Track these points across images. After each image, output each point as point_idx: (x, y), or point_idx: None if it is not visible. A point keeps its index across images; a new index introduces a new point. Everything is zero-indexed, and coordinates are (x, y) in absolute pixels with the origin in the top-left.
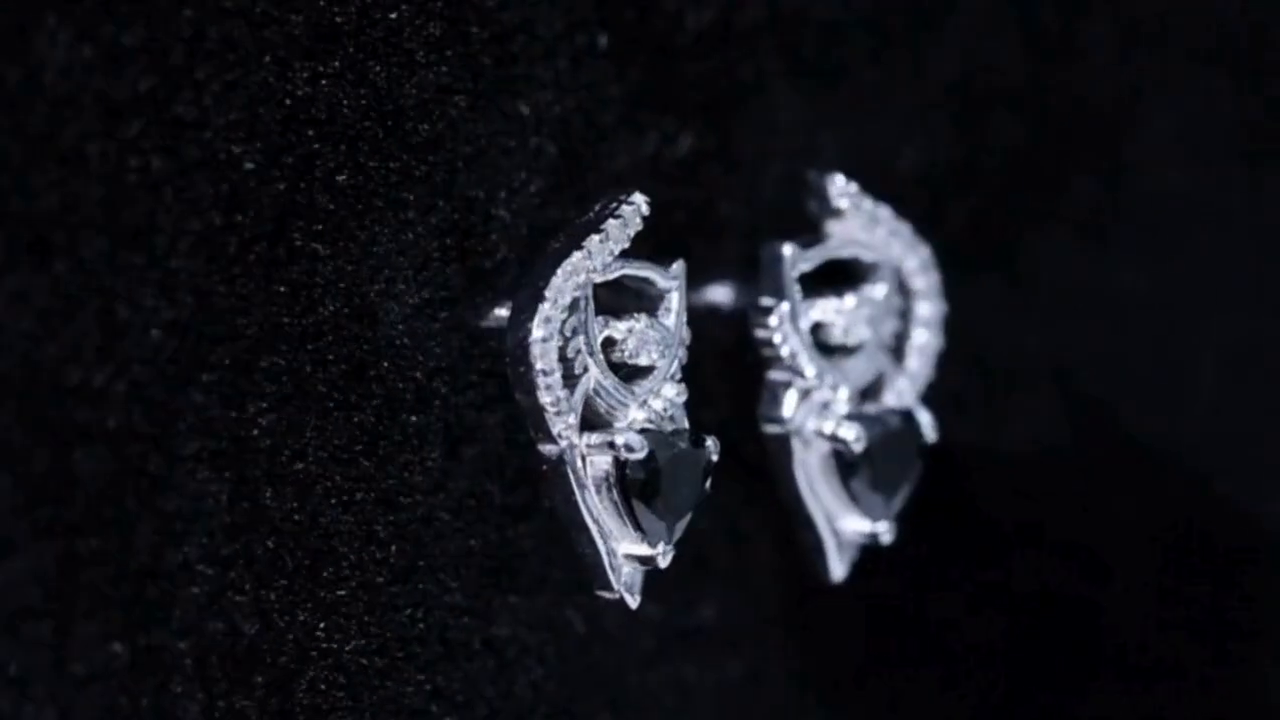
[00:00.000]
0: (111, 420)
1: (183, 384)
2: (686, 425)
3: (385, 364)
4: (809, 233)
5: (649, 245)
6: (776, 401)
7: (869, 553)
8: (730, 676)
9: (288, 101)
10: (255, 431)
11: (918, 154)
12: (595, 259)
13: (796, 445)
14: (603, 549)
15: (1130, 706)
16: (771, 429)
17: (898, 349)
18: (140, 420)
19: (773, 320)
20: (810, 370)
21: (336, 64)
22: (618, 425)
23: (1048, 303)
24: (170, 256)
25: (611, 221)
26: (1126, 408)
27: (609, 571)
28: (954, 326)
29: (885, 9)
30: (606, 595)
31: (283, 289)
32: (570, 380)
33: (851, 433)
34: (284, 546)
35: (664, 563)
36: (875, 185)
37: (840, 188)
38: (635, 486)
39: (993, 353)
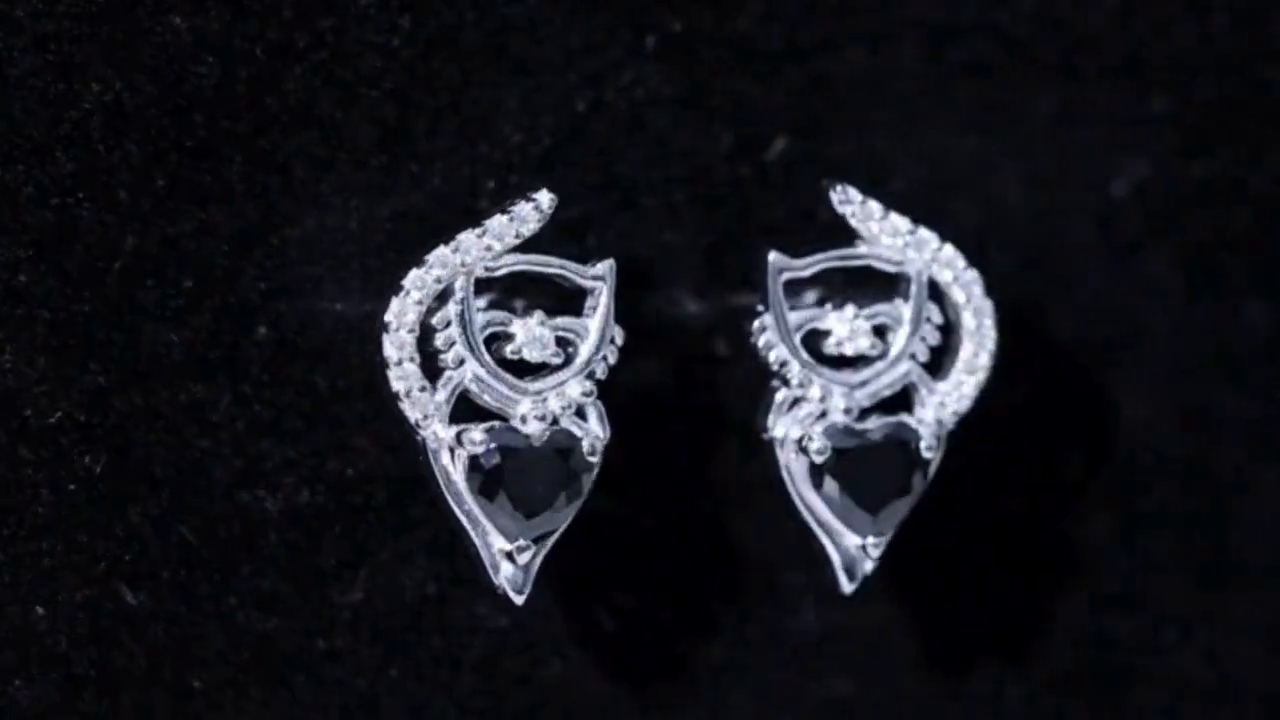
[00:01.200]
0: None
1: None
2: (595, 424)
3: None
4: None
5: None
6: (765, 409)
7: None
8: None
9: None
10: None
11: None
12: (466, 253)
13: (781, 454)
14: (477, 541)
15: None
16: (765, 436)
17: (937, 363)
18: None
19: (756, 327)
20: (796, 378)
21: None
22: (492, 422)
23: None
24: None
25: (497, 217)
26: None
27: (487, 565)
28: None
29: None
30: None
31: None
32: (440, 371)
33: (815, 444)
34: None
35: (520, 559)
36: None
37: (840, 196)
38: (477, 481)
39: None
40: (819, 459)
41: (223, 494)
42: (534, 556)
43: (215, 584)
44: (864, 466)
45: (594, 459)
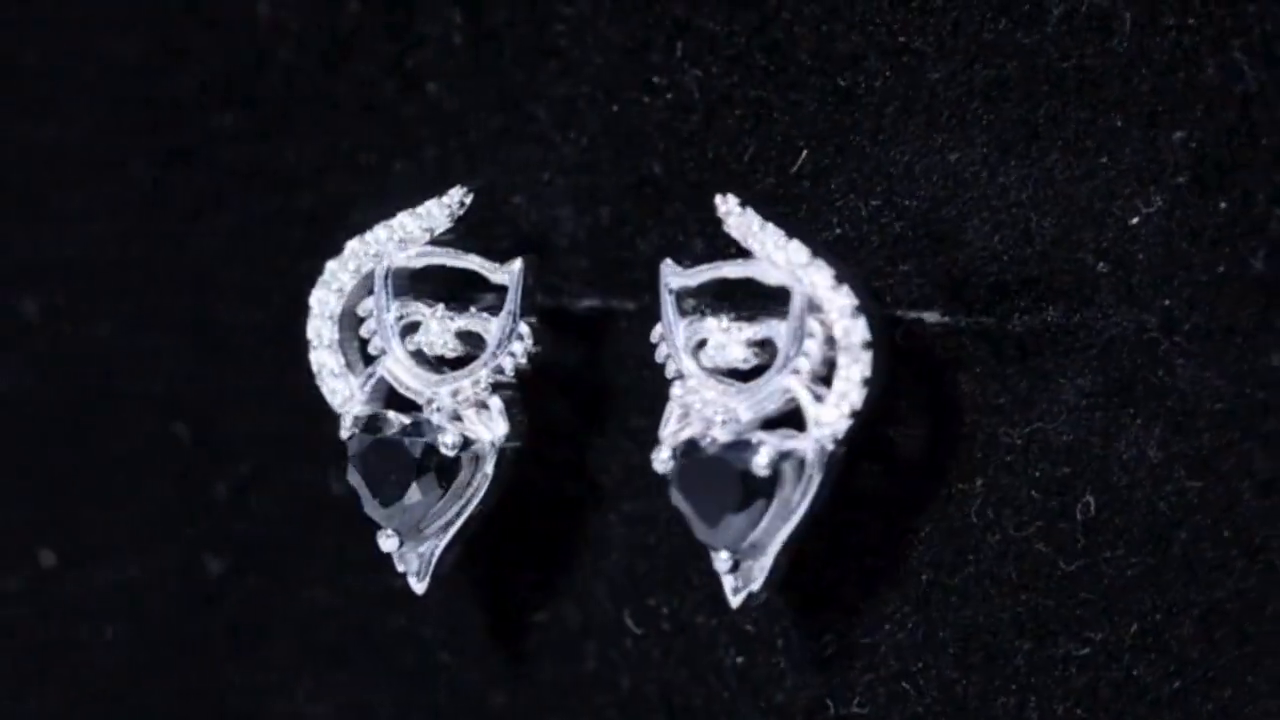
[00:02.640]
0: None
1: None
2: (497, 420)
3: None
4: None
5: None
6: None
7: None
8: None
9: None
10: None
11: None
12: (377, 245)
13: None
14: None
15: None
16: None
17: (830, 376)
18: None
19: (654, 336)
20: (677, 389)
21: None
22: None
23: None
24: None
25: (405, 214)
26: None
27: (383, 549)
28: None
29: None
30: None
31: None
32: (369, 359)
33: (659, 454)
34: None
35: (385, 545)
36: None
37: (724, 205)
38: (345, 467)
39: None
40: (662, 469)
41: (294, 471)
42: (430, 547)
43: (287, 560)
44: (705, 481)
45: (451, 453)
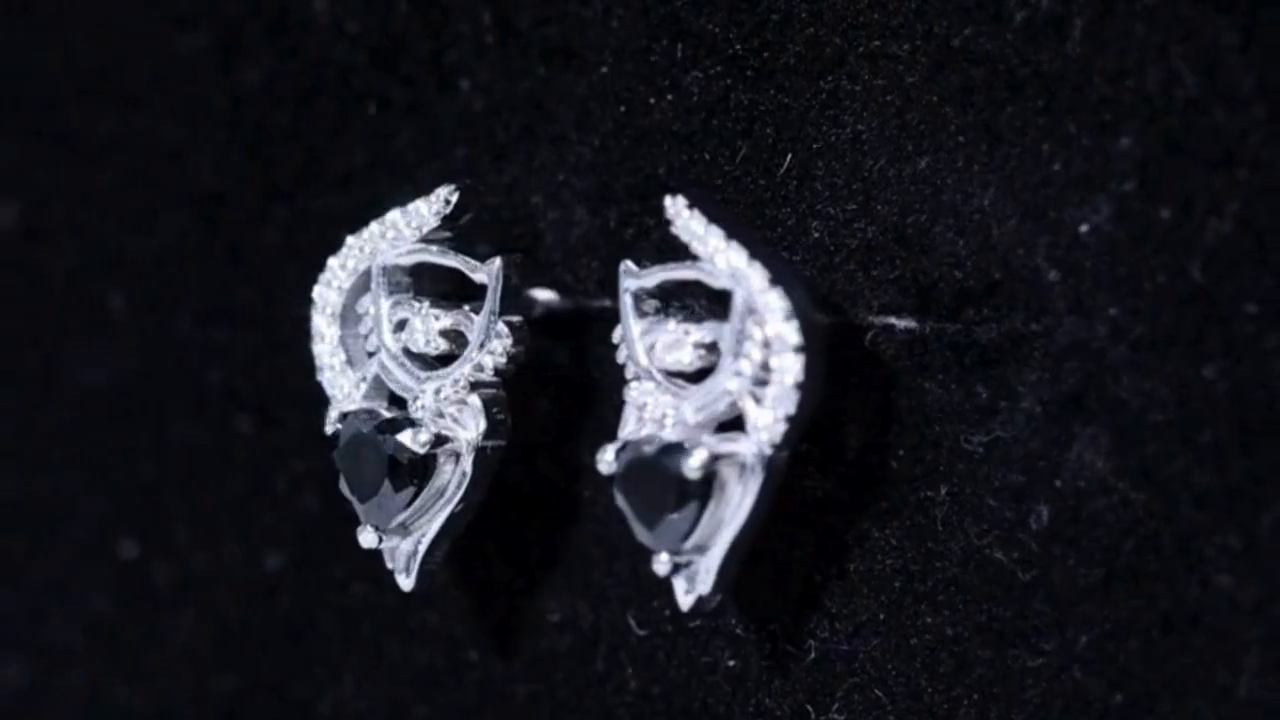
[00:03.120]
0: None
1: None
2: (476, 419)
3: None
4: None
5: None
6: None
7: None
8: None
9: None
10: None
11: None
12: (371, 243)
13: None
14: None
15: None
16: None
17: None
18: None
19: (614, 336)
20: (631, 392)
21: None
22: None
23: None
24: None
25: (395, 212)
26: None
27: (361, 544)
28: None
29: None
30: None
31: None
32: (365, 355)
33: (604, 455)
34: None
35: (363, 541)
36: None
37: (671, 207)
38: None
39: None
40: (606, 470)
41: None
42: (414, 544)
43: (334, 553)
44: (639, 483)
45: (419, 450)
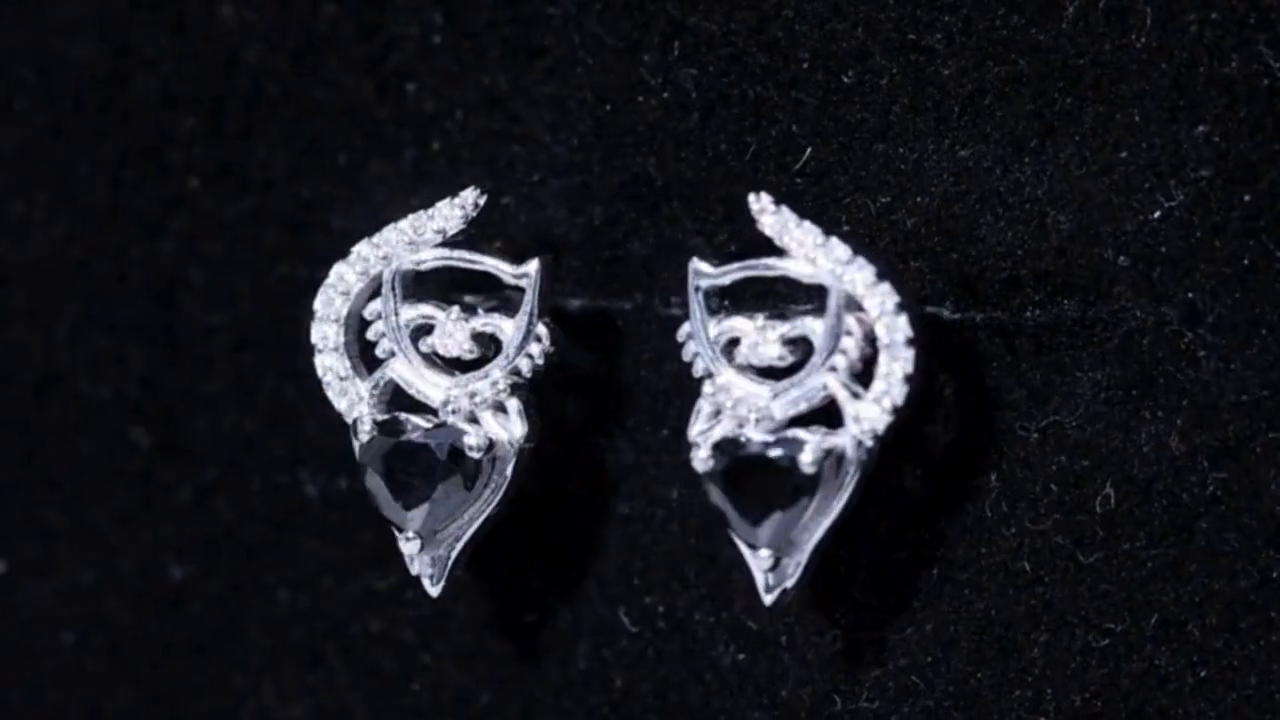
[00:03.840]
0: None
1: None
2: (514, 421)
3: None
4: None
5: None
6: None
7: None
8: None
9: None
10: None
11: None
12: (387, 247)
13: (697, 462)
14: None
15: None
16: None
17: (866, 373)
18: None
19: (680, 335)
20: (713, 388)
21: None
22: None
23: None
24: None
25: (419, 214)
26: None
27: (404, 553)
28: None
29: None
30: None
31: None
32: (374, 361)
33: (700, 453)
34: None
35: (406, 549)
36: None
37: (758, 205)
38: (376, 469)
39: None
40: (703, 467)
41: (264, 476)
42: (448, 549)
43: (256, 563)
44: (747, 479)
45: (475, 455)
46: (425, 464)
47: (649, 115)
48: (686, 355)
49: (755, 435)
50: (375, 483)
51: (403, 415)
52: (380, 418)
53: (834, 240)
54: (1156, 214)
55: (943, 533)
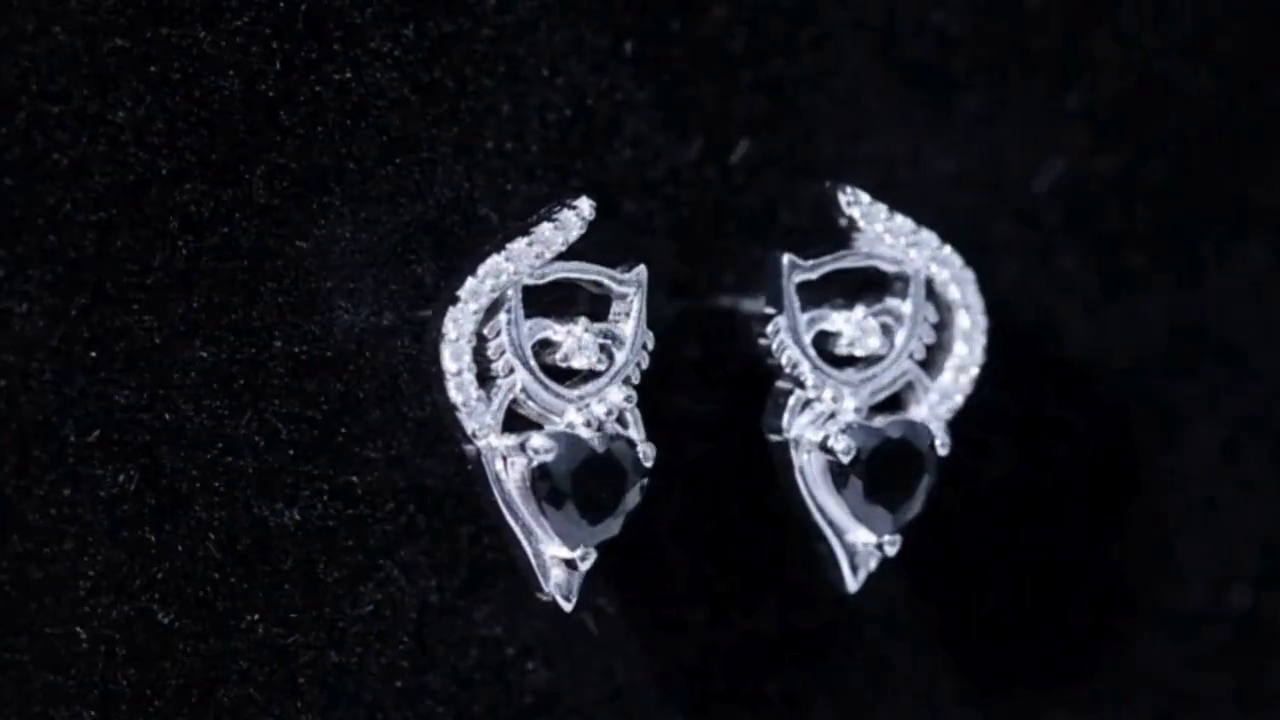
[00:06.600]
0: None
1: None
2: (633, 430)
3: (333, 357)
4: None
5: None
6: (777, 410)
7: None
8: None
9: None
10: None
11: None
12: (518, 262)
13: (796, 455)
14: (528, 550)
15: None
16: (774, 438)
17: (931, 361)
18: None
19: (770, 330)
20: (810, 380)
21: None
22: (550, 428)
23: None
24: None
25: (544, 225)
26: None
27: (536, 573)
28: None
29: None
30: (541, 597)
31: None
32: (490, 381)
33: (840, 444)
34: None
35: (583, 566)
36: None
37: (849, 198)
38: (544, 489)
39: None
40: (846, 458)
41: (243, 509)
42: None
43: (237, 600)
44: (884, 465)
45: (648, 464)
46: (614, 476)
47: (600, 119)
48: (776, 348)
49: (868, 424)
50: (559, 500)
51: (559, 430)
52: (552, 431)
53: (925, 231)
54: (1037, 185)
55: None
